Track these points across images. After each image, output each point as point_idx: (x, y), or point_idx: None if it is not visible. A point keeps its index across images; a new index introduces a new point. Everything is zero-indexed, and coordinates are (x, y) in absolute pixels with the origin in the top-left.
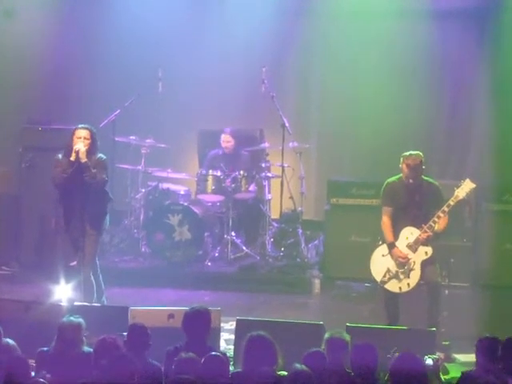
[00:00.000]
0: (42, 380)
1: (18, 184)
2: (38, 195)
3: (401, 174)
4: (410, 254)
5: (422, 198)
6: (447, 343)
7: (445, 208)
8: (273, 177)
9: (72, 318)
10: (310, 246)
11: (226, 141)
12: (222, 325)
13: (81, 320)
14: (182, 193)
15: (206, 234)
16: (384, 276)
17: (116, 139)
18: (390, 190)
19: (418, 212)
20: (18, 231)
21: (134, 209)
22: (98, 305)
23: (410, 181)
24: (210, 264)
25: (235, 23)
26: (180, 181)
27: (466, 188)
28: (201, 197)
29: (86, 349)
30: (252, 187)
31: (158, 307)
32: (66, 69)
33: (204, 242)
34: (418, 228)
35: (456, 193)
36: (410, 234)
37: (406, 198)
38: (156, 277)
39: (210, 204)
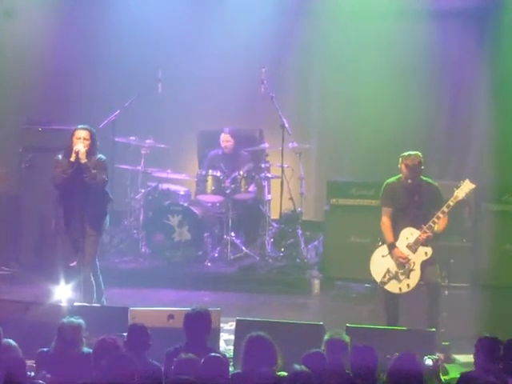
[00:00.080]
0: (41, 382)
1: (18, 184)
2: (37, 195)
3: (400, 175)
4: (410, 255)
5: (421, 199)
6: (447, 344)
7: (444, 208)
8: (272, 177)
9: (72, 319)
10: (309, 246)
11: (226, 140)
12: (221, 325)
13: (81, 321)
14: (182, 193)
15: (205, 234)
16: (384, 277)
17: (116, 140)
18: (389, 190)
19: (417, 212)
20: (17, 231)
21: (134, 209)
22: (98, 305)
23: (409, 181)
24: (209, 264)
25: (235, 24)
26: (180, 181)
27: (465, 188)
28: (200, 197)
29: (86, 349)
30: (252, 188)
31: (157, 308)
32: (65, 69)
33: (204, 243)
34: (417, 228)
35: (455, 193)
36: (409, 234)
37: (406, 198)
38: (156, 277)
39: (209, 204)
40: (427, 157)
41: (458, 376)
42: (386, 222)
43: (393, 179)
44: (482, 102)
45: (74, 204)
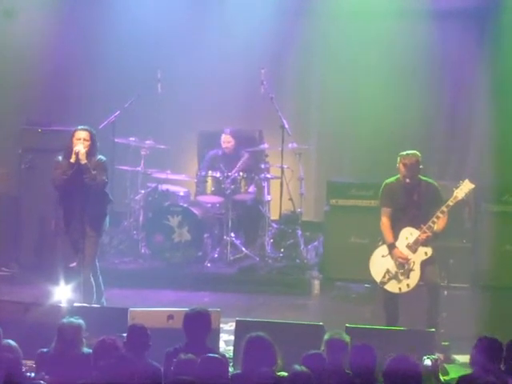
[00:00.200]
0: (41, 382)
1: (18, 185)
2: (37, 196)
3: (399, 175)
4: (410, 255)
5: (420, 198)
6: (447, 344)
7: (444, 208)
8: (272, 178)
9: (72, 319)
10: (309, 247)
11: (227, 141)
12: (221, 326)
13: (81, 321)
14: (182, 194)
15: (205, 235)
16: (384, 277)
17: (116, 140)
18: (388, 190)
19: (416, 212)
20: (17, 232)
21: (134, 210)
22: (98, 306)
23: (407, 180)
24: (209, 265)
25: (234, 24)
26: (179, 182)
27: (464, 188)
28: (200, 198)
29: (86, 350)
30: (251, 188)
31: (157, 308)
32: (65, 70)
33: (203, 243)
34: (417, 228)
35: (455, 193)
36: (409, 234)
37: (405, 198)
38: (155, 278)
39: (209, 205)
40: (427, 157)
41: (458, 376)
42: (385, 222)
43: (392, 179)
44: (482, 102)
45: (74, 205)
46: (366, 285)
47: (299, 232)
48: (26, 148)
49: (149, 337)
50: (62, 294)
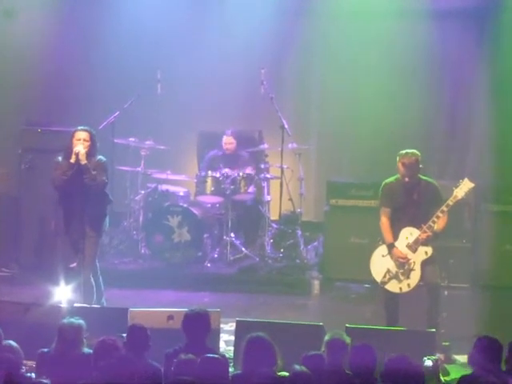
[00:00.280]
0: (44, 381)
1: (18, 185)
2: (37, 197)
3: (398, 175)
4: (410, 255)
5: (420, 197)
6: (447, 344)
7: (444, 208)
8: (272, 178)
9: (72, 320)
10: (309, 247)
11: (229, 142)
12: (221, 326)
13: (81, 321)
14: (182, 194)
15: (205, 235)
16: (384, 276)
17: (115, 141)
18: (387, 190)
19: (416, 211)
20: (17, 233)
21: (134, 210)
22: (98, 306)
23: (406, 179)
24: (209, 265)
25: (234, 24)
26: (179, 182)
27: (464, 188)
28: (200, 198)
29: (87, 350)
30: (251, 188)
31: (157, 308)
32: (65, 70)
33: (203, 244)
34: (417, 228)
35: (455, 192)
36: (409, 234)
37: (404, 197)
38: (155, 278)
39: (209, 205)
40: (427, 157)
41: (459, 376)
42: (385, 222)
43: (391, 179)
44: (482, 101)
45: (74, 205)
46: (366, 285)
47: (299, 232)
48: (25, 148)
49: (149, 337)
50: (62, 294)
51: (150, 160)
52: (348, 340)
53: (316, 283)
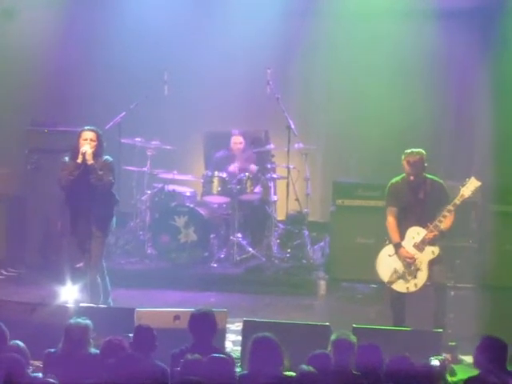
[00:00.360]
0: (51, 380)
1: (24, 186)
2: (43, 197)
3: (404, 174)
4: (417, 254)
5: (426, 196)
6: (453, 344)
7: (450, 207)
8: (278, 178)
9: (79, 320)
10: (315, 247)
11: (238, 142)
12: (228, 326)
13: (88, 321)
14: (188, 194)
15: (211, 235)
16: (391, 276)
17: (122, 141)
18: (393, 189)
19: (422, 210)
20: (23, 233)
21: (140, 211)
22: (104, 306)
23: (412, 178)
24: (215, 265)
25: (240, 25)
26: (186, 182)
27: (471, 186)
28: (206, 198)
29: (93, 350)
30: (258, 189)
31: (163, 309)
32: (71, 71)
33: (210, 244)
34: (423, 227)
35: (461, 191)
36: (416, 233)
37: (410, 196)
38: (162, 278)
39: (215, 205)
40: (434, 157)
41: (466, 377)
42: (391, 221)
43: (397, 178)
44: (488, 102)
45: (81, 205)
46: (372, 285)
47: (305, 232)
48: (32, 148)
49: (155, 337)
50: (69, 294)
51: (156, 160)
52: (354, 340)
53: (322, 283)
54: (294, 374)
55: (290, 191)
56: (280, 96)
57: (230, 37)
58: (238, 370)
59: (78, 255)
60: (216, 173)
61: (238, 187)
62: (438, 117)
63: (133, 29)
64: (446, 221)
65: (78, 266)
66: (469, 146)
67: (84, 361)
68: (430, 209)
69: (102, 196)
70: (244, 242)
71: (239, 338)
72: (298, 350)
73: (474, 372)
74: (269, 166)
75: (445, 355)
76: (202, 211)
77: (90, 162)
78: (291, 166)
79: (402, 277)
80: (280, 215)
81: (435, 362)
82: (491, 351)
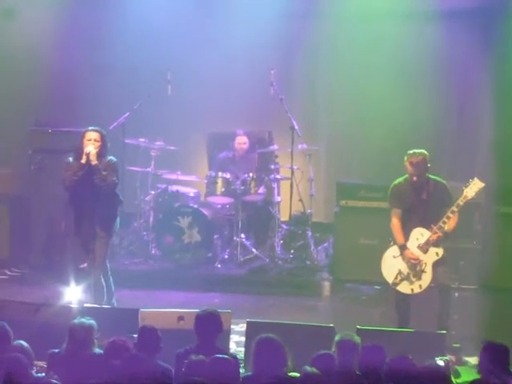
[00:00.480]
0: (54, 381)
1: (28, 186)
2: (47, 197)
3: (406, 175)
4: (421, 256)
5: (429, 197)
6: (458, 345)
7: (454, 208)
8: (282, 179)
9: (83, 320)
10: (319, 248)
11: (243, 142)
12: (231, 327)
13: (92, 322)
14: (192, 195)
15: (215, 236)
16: (396, 278)
17: (126, 141)
18: (396, 191)
19: (426, 211)
20: (27, 233)
21: (144, 211)
22: (108, 307)
23: (414, 178)
24: (219, 266)
25: (242, 25)
26: (189, 183)
27: (474, 187)
28: (210, 199)
29: (97, 350)
30: (261, 189)
31: (167, 309)
32: (75, 71)
33: (213, 244)
34: (427, 228)
35: (465, 192)
36: (420, 235)
37: (413, 196)
38: (166, 279)
39: (219, 206)
40: (436, 158)
41: (470, 379)
42: (395, 223)
43: (400, 180)
44: (490, 102)
45: (85, 206)
46: (376, 286)
47: (309, 233)
48: (35, 149)
49: (160, 338)
50: (73, 294)
51: (160, 160)
52: (358, 340)
53: (326, 284)
54: (297, 374)
55: (293, 192)
56: (283, 97)
57: (233, 37)
58: (241, 370)
59: (81, 256)
60: (220, 173)
61: (242, 188)
62: (440, 117)
63: (136, 29)
64: (449, 222)
65: (81, 266)
66: (471, 146)
67: (88, 361)
68: (433, 209)
69: (105, 196)
70: (248, 243)
71: (243, 338)
72: (302, 351)
73: (478, 374)
74: (272, 166)
75: (449, 357)
76: (205, 212)
77: (94, 162)
78: (295, 167)
79: (406, 278)
80: (284, 216)
81: (440, 361)
82: (493, 354)
